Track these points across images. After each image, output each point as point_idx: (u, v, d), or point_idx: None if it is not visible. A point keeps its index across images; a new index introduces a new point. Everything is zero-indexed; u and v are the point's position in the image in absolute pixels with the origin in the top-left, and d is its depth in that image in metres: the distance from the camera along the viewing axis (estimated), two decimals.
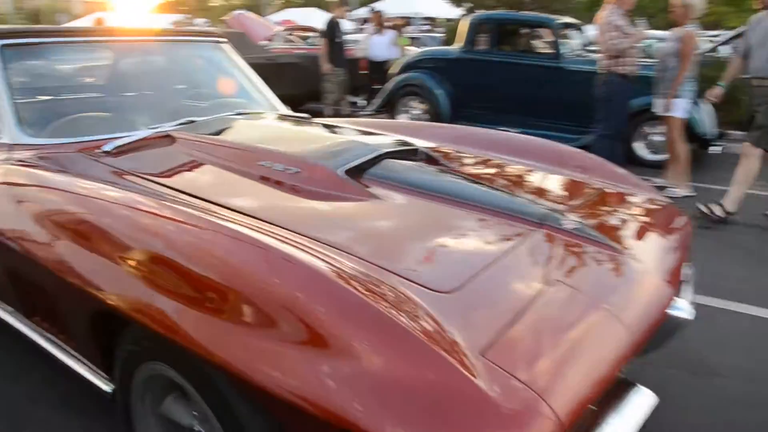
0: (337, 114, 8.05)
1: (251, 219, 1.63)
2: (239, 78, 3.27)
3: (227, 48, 3.31)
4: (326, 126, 2.78)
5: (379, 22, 9.31)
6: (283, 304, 1.18)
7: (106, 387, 1.74)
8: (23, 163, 2.12)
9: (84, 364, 1.82)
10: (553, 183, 2.32)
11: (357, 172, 2.02)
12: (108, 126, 2.48)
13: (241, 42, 9.17)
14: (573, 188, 2.30)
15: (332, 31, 7.81)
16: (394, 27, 9.60)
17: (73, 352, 1.85)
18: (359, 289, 1.23)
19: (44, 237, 1.78)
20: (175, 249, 1.40)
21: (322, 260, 1.32)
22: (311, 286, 1.22)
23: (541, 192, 2.20)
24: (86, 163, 2.16)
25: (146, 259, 1.44)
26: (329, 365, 1.10)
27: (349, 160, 2.04)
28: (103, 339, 1.67)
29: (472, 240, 1.70)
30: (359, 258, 1.44)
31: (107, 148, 2.25)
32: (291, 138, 2.40)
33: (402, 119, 7.80)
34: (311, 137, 2.42)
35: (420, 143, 2.52)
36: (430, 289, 1.35)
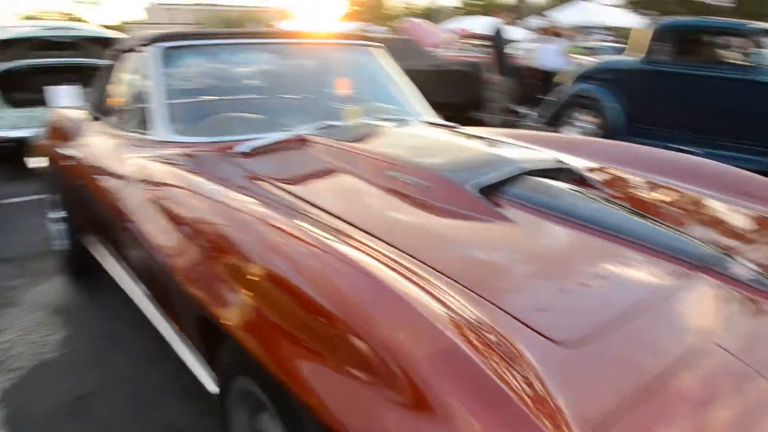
0: (499, 124, 7.80)
1: (371, 239, 1.51)
2: (390, 84, 3.19)
3: (380, 53, 3.25)
4: (472, 136, 2.60)
5: (549, 30, 8.91)
6: (386, 347, 1.04)
7: (213, 387, 1.71)
8: (166, 160, 2.17)
9: (197, 360, 1.81)
10: (731, 217, 1.96)
11: (493, 190, 1.82)
12: (250, 127, 2.51)
13: (409, 48, 9.23)
14: (756, 225, 1.92)
15: (497, 38, 7.58)
16: (563, 36, 9.12)
17: (190, 347, 1.86)
18: (468, 337, 1.04)
19: (171, 235, 1.81)
20: (293, 271, 1.30)
21: (436, 297, 1.15)
22: (417, 333, 1.05)
23: (712, 227, 1.86)
24: (221, 163, 2.17)
25: (260, 276, 1.36)
26: (421, 424, 0.96)
27: (484, 175, 1.84)
28: (211, 343, 1.64)
29: (611, 281, 1.43)
30: (475, 293, 1.26)
31: (242, 149, 2.26)
32: (428, 147, 2.24)
33: (569, 133, 7.38)
34: (451, 148, 2.25)
35: (575, 161, 2.27)
36: (548, 339, 1.13)
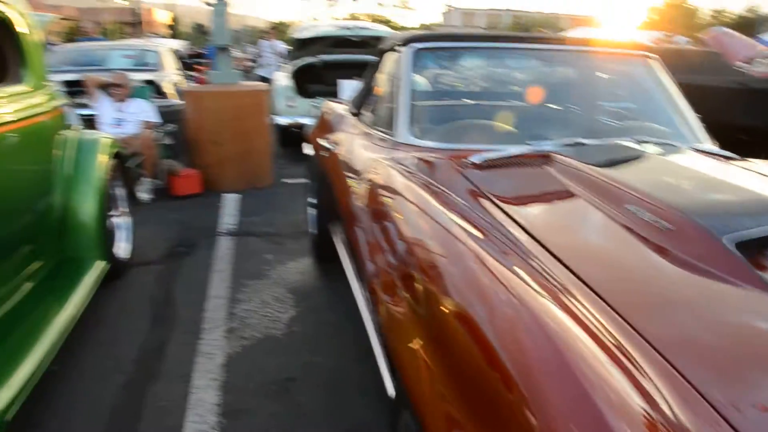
0: None
1: (586, 291, 1.26)
2: (663, 101, 2.78)
3: (657, 66, 2.85)
4: (753, 173, 2.12)
5: None
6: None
7: (390, 390, 1.64)
8: (403, 168, 2.12)
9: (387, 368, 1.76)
10: None
11: (760, 247, 1.42)
12: (493, 136, 2.37)
13: (711, 62, 8.19)
14: None
15: None
16: None
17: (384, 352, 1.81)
18: None
19: (386, 246, 1.79)
20: (485, 318, 1.16)
21: (639, 388, 0.89)
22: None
23: None
24: (450, 173, 2.06)
25: (450, 314, 1.24)
26: None
27: (748, 226, 1.45)
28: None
29: None
30: (695, 390, 0.95)
31: (476, 159, 2.12)
32: (687, 181, 1.87)
33: None
34: (716, 185, 1.84)
35: None
36: None
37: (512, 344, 1.03)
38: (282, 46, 11.08)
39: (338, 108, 3.73)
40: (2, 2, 2.40)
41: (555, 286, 1.23)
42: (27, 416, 2.04)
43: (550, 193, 1.94)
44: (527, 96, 2.77)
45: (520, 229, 1.60)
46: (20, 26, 2.52)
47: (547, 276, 1.30)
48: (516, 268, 1.28)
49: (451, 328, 1.21)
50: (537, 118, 2.64)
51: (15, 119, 2.36)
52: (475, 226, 1.55)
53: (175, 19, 43.34)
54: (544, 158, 2.15)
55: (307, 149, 4.11)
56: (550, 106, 2.74)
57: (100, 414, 2.18)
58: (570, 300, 1.17)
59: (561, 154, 2.13)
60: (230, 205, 4.98)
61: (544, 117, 2.66)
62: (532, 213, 1.83)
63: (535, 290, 1.18)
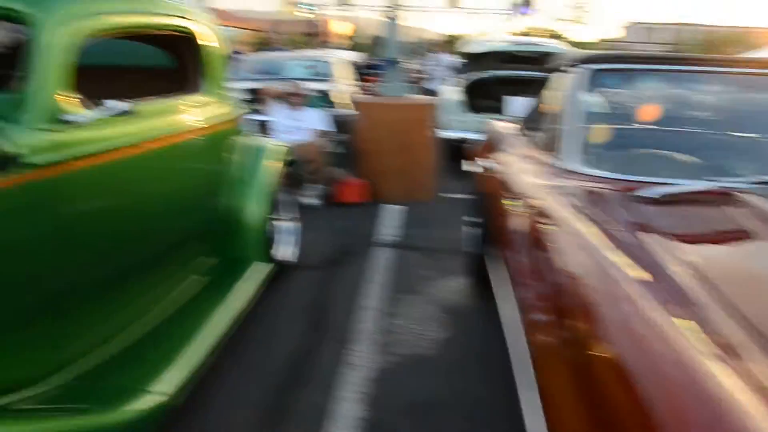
0: None
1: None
2: None
3: None
4: None
5: None
6: None
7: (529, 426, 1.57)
8: (566, 199, 2.03)
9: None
10: None
11: None
12: (668, 168, 2.19)
13: None
14: None
15: None
16: None
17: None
18: None
19: (539, 278, 1.73)
20: (638, 374, 1.06)
21: None
22: None
23: None
24: (618, 206, 1.92)
25: (601, 363, 1.16)
26: None
27: None
28: None
29: None
30: None
31: (649, 194, 1.94)
32: None
33: None
34: None
35: None
36: None
37: (670, 410, 0.94)
38: (449, 59, 11.17)
39: (503, 127, 3.67)
40: (188, 18, 2.60)
41: (728, 347, 1.10)
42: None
43: (732, 237, 1.75)
44: (712, 124, 2.53)
45: (693, 276, 1.45)
46: (204, 39, 2.73)
47: (721, 334, 1.16)
48: (683, 320, 1.16)
49: (603, 377, 1.13)
50: (723, 150, 2.39)
51: (192, 128, 2.56)
52: (642, 268, 1.43)
53: (355, 31, 45.21)
54: (729, 196, 1.94)
55: (468, 166, 4.08)
56: (740, 135, 2.48)
57: (247, 410, 2.31)
58: (745, 364, 1.04)
59: (749, 193, 1.91)
60: (391, 217, 5.08)
61: (732, 149, 2.41)
62: (710, 259, 1.64)
63: (703, 349, 1.06)
